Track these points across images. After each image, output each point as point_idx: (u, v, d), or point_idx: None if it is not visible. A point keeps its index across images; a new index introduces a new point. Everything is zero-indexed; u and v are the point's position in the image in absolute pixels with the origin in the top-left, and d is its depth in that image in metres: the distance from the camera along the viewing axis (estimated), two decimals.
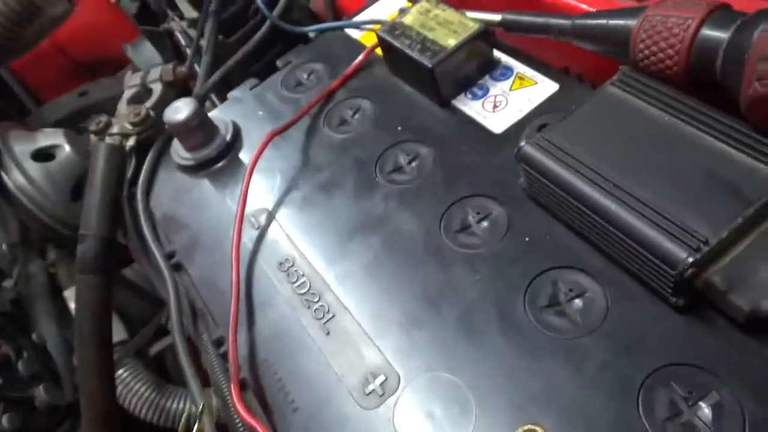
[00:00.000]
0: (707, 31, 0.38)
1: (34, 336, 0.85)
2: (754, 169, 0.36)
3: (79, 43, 1.50)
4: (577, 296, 0.39)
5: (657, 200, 0.36)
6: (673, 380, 0.34)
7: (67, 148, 0.88)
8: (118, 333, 0.93)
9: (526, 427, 0.34)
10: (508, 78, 0.54)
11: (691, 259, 0.33)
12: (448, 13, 0.55)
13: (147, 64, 1.17)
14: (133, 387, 0.83)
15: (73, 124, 1.08)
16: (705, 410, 0.33)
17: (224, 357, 0.45)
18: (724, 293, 0.34)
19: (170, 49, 1.02)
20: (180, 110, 0.57)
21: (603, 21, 0.44)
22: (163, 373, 0.92)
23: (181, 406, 0.81)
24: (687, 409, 0.33)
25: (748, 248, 0.34)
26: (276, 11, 0.72)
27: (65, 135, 0.91)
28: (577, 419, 0.35)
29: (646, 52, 0.41)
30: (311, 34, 0.74)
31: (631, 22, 0.42)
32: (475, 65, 0.54)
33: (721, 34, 0.37)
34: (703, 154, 0.37)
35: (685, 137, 0.38)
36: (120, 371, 0.83)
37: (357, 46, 0.64)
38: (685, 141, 0.38)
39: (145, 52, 1.20)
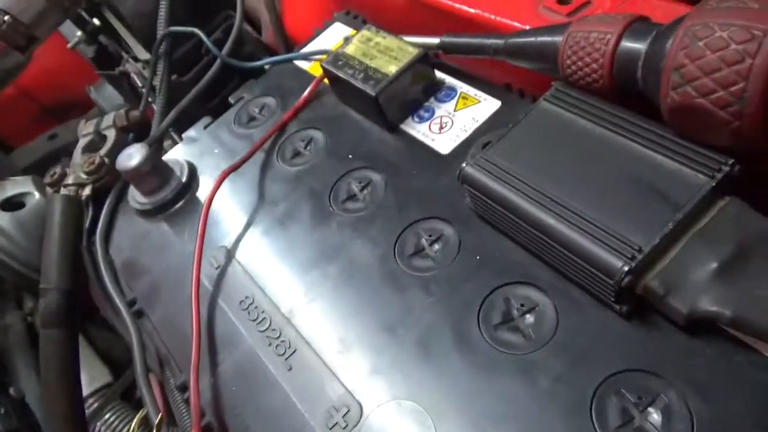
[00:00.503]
0: (627, 44, 0.39)
1: (11, 390, 0.83)
2: (681, 173, 0.37)
3: (45, 87, 1.50)
4: (529, 311, 0.40)
5: (592, 212, 0.37)
6: (624, 387, 0.35)
7: (36, 194, 0.88)
8: (102, 376, 0.92)
9: None
10: (453, 98, 0.55)
11: (626, 268, 0.34)
12: (389, 40, 0.56)
13: (111, 106, 1.17)
14: (120, 430, 0.82)
15: (45, 168, 1.08)
16: (654, 415, 0.34)
17: (188, 402, 0.44)
18: (663, 297, 0.34)
19: (129, 91, 1.02)
20: (132, 156, 0.57)
21: (532, 39, 0.46)
22: None
23: None
24: (638, 415, 0.34)
25: (682, 251, 0.35)
26: (225, 49, 0.72)
27: (34, 182, 0.90)
28: None
29: (573, 67, 0.42)
30: (266, 66, 0.75)
31: (558, 39, 0.43)
32: (418, 89, 0.55)
33: (640, 46, 0.38)
34: (633, 162, 0.38)
35: (615, 147, 0.40)
36: (107, 415, 0.82)
37: (307, 78, 0.65)
38: (615, 151, 0.39)
39: (108, 93, 1.20)
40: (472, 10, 0.55)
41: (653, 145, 0.38)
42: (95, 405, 0.83)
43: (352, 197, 0.52)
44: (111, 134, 0.66)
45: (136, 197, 0.60)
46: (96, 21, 0.97)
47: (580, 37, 0.41)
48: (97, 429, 0.79)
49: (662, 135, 0.38)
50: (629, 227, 0.36)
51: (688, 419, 0.33)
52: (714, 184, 0.35)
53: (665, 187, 0.36)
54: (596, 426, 0.34)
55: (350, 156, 0.55)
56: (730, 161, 0.36)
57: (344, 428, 0.39)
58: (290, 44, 0.82)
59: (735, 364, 0.34)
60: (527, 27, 0.50)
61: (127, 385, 0.91)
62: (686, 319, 0.34)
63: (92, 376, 0.91)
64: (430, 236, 0.47)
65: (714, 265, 0.34)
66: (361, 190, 0.52)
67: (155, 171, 0.58)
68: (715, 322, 0.33)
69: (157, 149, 0.71)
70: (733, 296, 0.33)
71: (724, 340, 0.34)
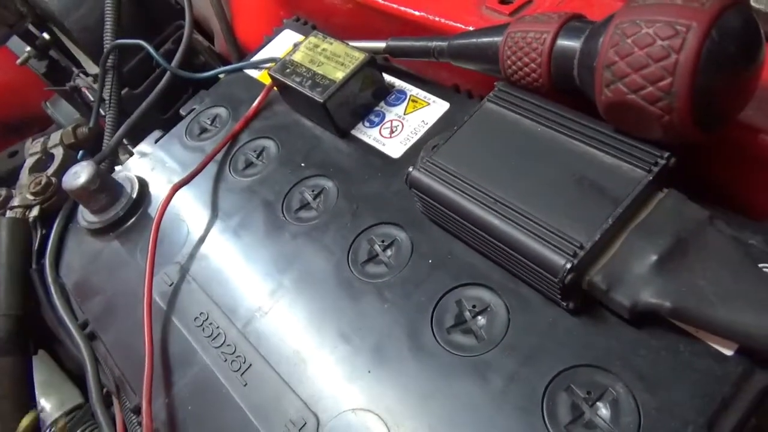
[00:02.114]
0: (562, 42, 0.39)
1: None
2: (619, 169, 0.37)
3: (3, 103, 1.46)
4: (481, 312, 0.40)
5: (535, 210, 0.37)
6: (573, 383, 0.35)
7: None
8: (74, 398, 0.89)
9: None
10: (402, 102, 0.55)
11: (568, 265, 0.34)
12: (335, 46, 0.55)
13: (69, 121, 1.15)
14: None
15: (7, 186, 1.05)
16: (603, 408, 0.34)
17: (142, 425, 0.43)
18: (607, 292, 0.35)
19: (83, 106, 1.00)
20: (78, 175, 0.56)
21: (474, 40, 0.46)
22: None
23: None
24: (588, 410, 0.34)
25: (623, 246, 0.35)
26: (175, 60, 0.71)
27: None
28: None
29: (513, 67, 0.42)
30: (220, 76, 0.74)
31: (498, 39, 0.43)
32: (367, 93, 0.55)
33: (574, 44, 0.39)
34: (574, 159, 0.39)
35: (556, 145, 0.40)
36: None
37: (258, 86, 0.64)
38: (556, 149, 0.40)
39: (65, 109, 1.18)
40: (416, 13, 0.55)
41: (593, 141, 0.39)
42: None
43: (305, 206, 0.52)
44: (58, 152, 0.64)
45: (85, 216, 0.59)
46: (46, 35, 0.94)
47: (518, 37, 0.42)
48: None
49: (601, 131, 0.39)
50: (571, 224, 0.36)
51: (635, 411, 0.33)
52: (651, 177, 0.36)
53: (605, 182, 0.37)
54: (548, 423, 0.34)
55: (302, 164, 0.55)
56: (666, 154, 0.36)
57: None
58: (242, 52, 0.81)
59: (679, 354, 0.34)
60: (470, 28, 0.50)
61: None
62: (630, 313, 0.34)
63: (62, 399, 0.89)
64: (383, 242, 0.46)
65: (654, 257, 0.34)
66: (314, 198, 0.52)
67: (104, 188, 0.57)
68: (657, 314, 0.34)
69: (109, 164, 0.70)
70: (673, 287, 0.33)
71: (669, 331, 0.35)
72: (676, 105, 0.33)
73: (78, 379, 0.91)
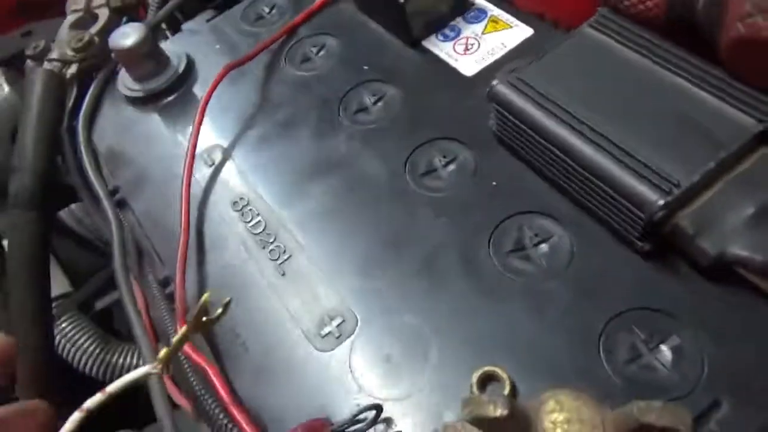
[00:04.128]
0: None
1: None
2: (727, 114, 0.35)
3: None
4: (543, 241, 0.38)
5: (630, 143, 0.35)
6: (635, 324, 0.34)
7: (6, 87, 0.81)
8: (61, 285, 0.87)
9: (485, 369, 0.33)
10: (482, 21, 0.52)
11: (662, 202, 0.32)
12: None
13: None
14: (75, 340, 0.78)
15: (14, 66, 1.00)
16: (665, 353, 0.33)
17: (171, 297, 0.42)
18: (692, 237, 0.33)
19: None
20: (128, 35, 0.52)
21: None
22: (111, 329, 0.87)
23: (127, 361, 0.78)
24: (647, 352, 0.33)
25: (718, 194, 0.33)
26: None
27: (3, 74, 0.83)
28: (537, 362, 0.34)
29: None
30: None
31: None
32: (447, 5, 0.51)
33: None
34: (678, 98, 0.36)
35: (660, 81, 0.37)
36: (63, 325, 0.78)
37: None
38: (660, 84, 0.37)
39: None
40: None
41: (701, 82, 0.36)
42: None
43: (363, 109, 0.49)
44: (103, 13, 0.60)
45: (126, 82, 0.55)
46: None
47: None
48: None
49: (712, 74, 0.36)
50: (668, 162, 0.34)
51: (700, 361, 0.32)
52: (762, 128, 0.34)
53: (710, 125, 0.35)
54: (603, 359, 0.33)
55: (365, 67, 0.52)
56: None
57: (338, 338, 0.38)
58: None
59: (753, 314, 0.33)
60: None
61: (86, 296, 0.87)
62: (713, 261, 0.33)
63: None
64: (444, 157, 0.44)
65: (751, 210, 0.32)
66: (374, 103, 0.49)
67: (151, 55, 0.53)
68: (743, 266, 0.32)
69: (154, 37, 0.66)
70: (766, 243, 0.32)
71: (743, 289, 0.33)
72: None
73: (68, 269, 0.89)
